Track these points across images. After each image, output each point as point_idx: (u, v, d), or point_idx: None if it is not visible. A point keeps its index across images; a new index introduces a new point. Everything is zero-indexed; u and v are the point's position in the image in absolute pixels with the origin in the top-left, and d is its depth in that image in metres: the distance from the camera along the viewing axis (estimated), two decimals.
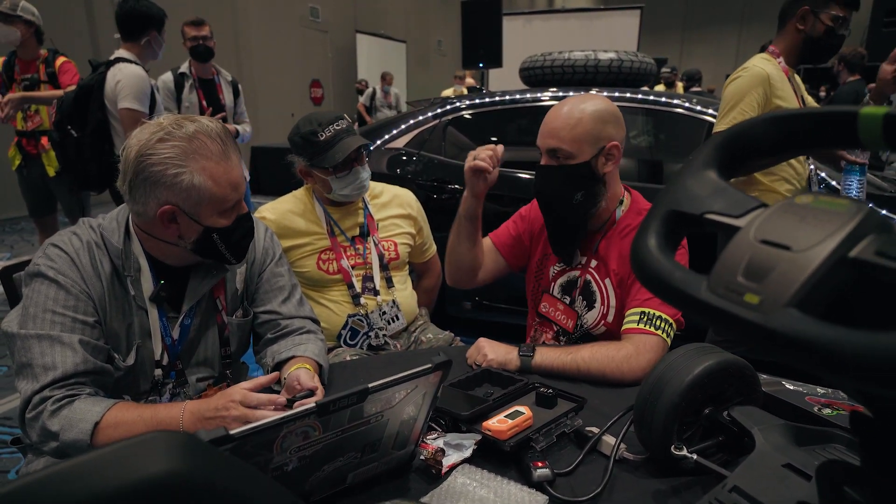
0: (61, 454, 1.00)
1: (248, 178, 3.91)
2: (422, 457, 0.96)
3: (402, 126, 3.29)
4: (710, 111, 2.82)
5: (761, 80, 2.01)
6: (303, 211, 1.76)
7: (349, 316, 1.71)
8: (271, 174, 5.02)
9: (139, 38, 2.89)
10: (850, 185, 2.08)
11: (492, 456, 0.98)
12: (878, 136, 0.40)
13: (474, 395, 1.15)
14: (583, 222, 1.46)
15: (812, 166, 2.24)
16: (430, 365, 0.85)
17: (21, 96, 3.25)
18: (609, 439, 0.99)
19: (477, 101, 3.33)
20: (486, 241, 1.65)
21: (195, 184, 1.07)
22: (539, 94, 3.18)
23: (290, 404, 1.07)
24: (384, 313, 1.74)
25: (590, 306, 1.48)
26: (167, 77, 3.60)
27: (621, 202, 1.49)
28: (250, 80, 9.10)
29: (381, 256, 1.78)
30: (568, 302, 1.51)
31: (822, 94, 9.64)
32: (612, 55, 3.28)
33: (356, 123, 8.53)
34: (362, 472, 0.90)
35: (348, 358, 1.61)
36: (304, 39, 10.62)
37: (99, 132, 2.84)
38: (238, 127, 3.63)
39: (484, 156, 1.43)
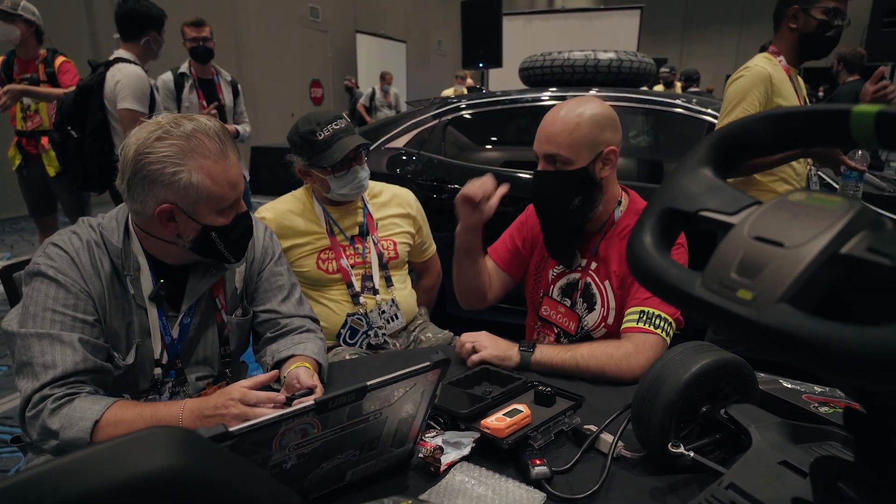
0: (61, 452, 1.01)
1: (247, 178, 3.92)
2: (420, 455, 0.96)
3: (402, 126, 3.30)
4: (710, 111, 2.82)
5: (763, 79, 2.02)
6: (302, 210, 1.76)
7: (348, 315, 1.71)
8: (271, 174, 5.02)
9: (139, 38, 2.89)
10: (847, 189, 2.09)
11: (490, 454, 0.99)
12: (871, 133, 0.40)
13: (473, 393, 1.16)
14: (580, 227, 1.46)
15: (812, 167, 2.25)
16: (428, 363, 0.86)
17: (22, 88, 3.25)
18: (607, 437, 1.00)
19: (477, 100, 3.33)
20: (488, 262, 1.65)
21: (193, 182, 1.07)
22: (539, 94, 3.19)
23: (289, 402, 1.07)
24: (383, 312, 1.75)
25: (590, 308, 1.48)
26: (167, 77, 3.60)
27: (619, 203, 1.49)
28: (250, 80, 9.10)
29: (380, 255, 1.78)
30: (569, 304, 1.51)
31: (822, 93, 9.64)
32: (611, 55, 3.29)
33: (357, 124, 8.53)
34: (361, 470, 0.90)
35: (348, 357, 1.61)
36: (304, 39, 10.62)
37: (99, 132, 2.85)
38: (237, 127, 3.63)
39: (476, 184, 1.40)
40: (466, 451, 0.97)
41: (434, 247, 2.04)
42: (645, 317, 1.33)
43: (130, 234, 1.18)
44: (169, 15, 3.05)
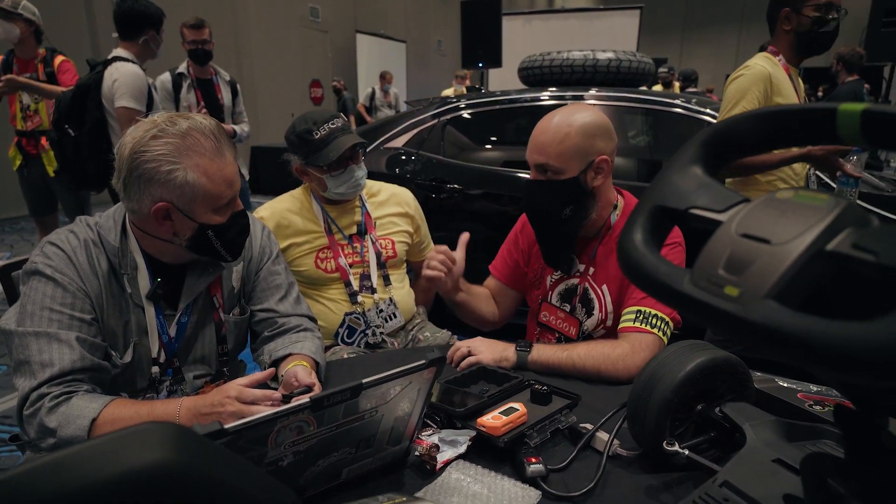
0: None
1: (247, 178, 3.92)
2: (416, 453, 0.96)
3: (401, 125, 3.30)
4: (708, 111, 2.83)
5: (763, 78, 2.02)
6: (300, 209, 1.77)
7: (346, 314, 1.72)
8: (271, 174, 5.02)
9: (137, 37, 2.89)
10: (842, 196, 2.08)
11: (486, 452, 0.99)
12: (857, 131, 0.40)
13: (469, 391, 1.16)
14: (572, 235, 1.46)
15: (811, 167, 2.25)
16: (423, 361, 0.86)
17: (24, 82, 3.25)
18: (602, 435, 1.00)
19: (476, 100, 3.34)
20: (493, 283, 1.65)
21: (189, 180, 1.07)
22: (537, 94, 3.19)
23: (287, 400, 1.07)
24: (381, 311, 1.75)
25: (589, 313, 1.48)
26: (165, 77, 3.61)
27: (615, 207, 1.49)
28: (250, 80, 9.10)
29: (378, 254, 1.79)
30: (568, 310, 1.51)
31: (821, 93, 9.64)
32: (610, 55, 3.29)
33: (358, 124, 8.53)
34: (357, 468, 0.91)
35: (346, 356, 1.61)
36: (304, 39, 10.62)
37: (97, 131, 2.85)
38: (236, 127, 3.63)
39: (434, 263, 1.40)
40: (462, 449, 0.98)
41: (432, 246, 2.04)
42: (641, 316, 1.33)
43: (127, 233, 1.18)
44: (169, 14, 3.05)
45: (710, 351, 0.94)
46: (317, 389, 1.14)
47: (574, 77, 3.37)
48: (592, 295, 1.47)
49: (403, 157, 3.22)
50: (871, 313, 0.33)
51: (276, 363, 1.28)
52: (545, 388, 1.12)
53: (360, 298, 1.73)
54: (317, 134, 1.64)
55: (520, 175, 2.97)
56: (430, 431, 1.03)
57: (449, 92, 8.74)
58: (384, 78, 9.53)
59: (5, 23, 3.22)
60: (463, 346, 1.35)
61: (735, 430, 0.88)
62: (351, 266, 1.75)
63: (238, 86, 3.81)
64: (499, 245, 1.70)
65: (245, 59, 9.30)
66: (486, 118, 3.37)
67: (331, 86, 10.35)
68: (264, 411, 0.97)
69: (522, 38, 8.19)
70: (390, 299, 1.78)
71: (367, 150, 3.23)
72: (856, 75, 5.37)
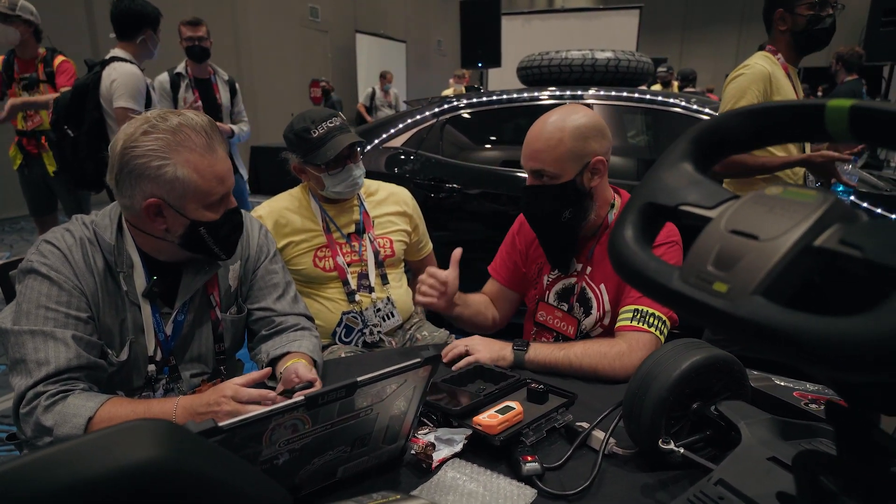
0: None
1: (246, 178, 3.92)
2: (412, 451, 0.96)
3: (400, 125, 3.30)
4: (707, 110, 2.83)
5: (762, 77, 2.03)
6: (298, 208, 1.77)
7: (343, 313, 1.72)
8: (270, 174, 5.02)
9: (134, 37, 2.90)
10: None
11: (482, 450, 0.99)
12: (845, 128, 0.40)
13: (466, 390, 1.16)
14: (573, 237, 1.46)
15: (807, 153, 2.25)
16: (419, 359, 0.86)
17: (23, 101, 3.26)
18: (599, 434, 1.00)
19: (475, 100, 3.34)
20: (494, 284, 1.65)
21: (178, 176, 1.07)
22: (536, 94, 3.19)
23: (288, 396, 1.08)
24: (379, 310, 1.75)
25: (586, 312, 1.48)
26: (163, 77, 3.61)
27: (612, 206, 1.49)
28: (250, 80, 9.10)
29: (376, 253, 1.79)
30: (566, 309, 1.52)
31: (820, 93, 9.64)
32: (609, 54, 3.29)
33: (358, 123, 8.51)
34: (353, 466, 0.91)
35: (343, 355, 1.62)
36: (304, 39, 10.62)
37: (95, 131, 2.85)
38: (234, 127, 3.63)
39: (425, 289, 1.41)
40: (458, 447, 0.98)
41: (430, 245, 2.04)
42: (639, 315, 1.33)
43: (124, 231, 1.18)
44: (168, 15, 3.05)
45: (705, 349, 0.94)
46: (317, 385, 1.14)
47: (573, 77, 3.37)
48: (590, 294, 1.47)
49: (402, 157, 3.22)
50: (859, 309, 0.33)
51: (274, 361, 1.29)
52: (542, 386, 1.12)
53: (357, 297, 1.73)
54: (315, 132, 1.64)
55: (519, 175, 2.97)
56: (426, 430, 1.03)
57: (448, 92, 8.74)
58: (384, 78, 9.53)
59: (4, 26, 3.22)
60: (460, 344, 1.35)
61: (730, 428, 0.88)
62: (349, 265, 1.75)
63: (237, 85, 3.81)
64: (498, 244, 1.70)
65: (245, 59, 9.30)
66: (485, 118, 3.37)
67: (328, 87, 10.22)
68: (259, 410, 0.97)
69: (522, 38, 8.20)
70: (388, 298, 1.78)
71: (367, 149, 3.24)
72: (855, 75, 5.37)
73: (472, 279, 1.66)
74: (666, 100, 3.02)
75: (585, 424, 1.03)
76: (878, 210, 2.49)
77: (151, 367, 1.20)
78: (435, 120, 3.25)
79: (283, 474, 0.81)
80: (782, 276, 0.35)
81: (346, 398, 0.80)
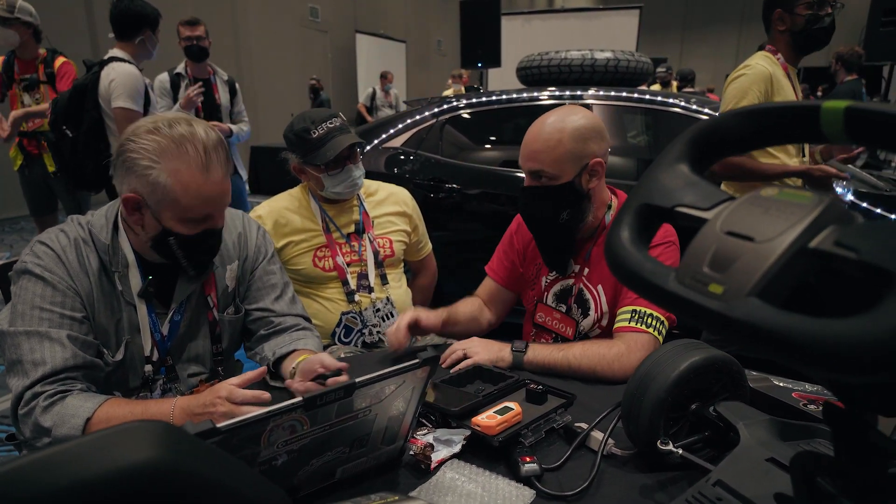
0: None
1: (246, 178, 3.92)
2: (411, 452, 0.96)
3: (400, 125, 3.30)
4: (706, 110, 2.83)
5: (763, 78, 2.03)
6: (298, 208, 1.77)
7: (343, 314, 1.72)
8: (270, 174, 5.02)
9: (133, 37, 2.89)
10: None
11: (481, 451, 0.99)
12: (840, 129, 0.40)
13: (465, 391, 1.16)
14: (571, 238, 1.46)
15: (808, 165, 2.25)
16: (417, 360, 0.86)
17: (23, 113, 3.26)
18: (597, 435, 1.00)
19: (474, 100, 3.34)
20: (491, 283, 1.64)
21: (160, 182, 1.06)
22: (536, 94, 3.19)
23: (322, 382, 1.11)
24: (378, 310, 1.75)
25: (584, 314, 1.48)
26: (163, 77, 3.61)
27: (609, 207, 1.49)
28: (250, 80, 9.10)
29: (376, 253, 1.79)
30: (564, 310, 1.52)
31: (820, 93, 9.64)
32: (608, 55, 3.29)
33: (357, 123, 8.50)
34: (351, 467, 0.91)
35: (342, 355, 1.61)
36: (304, 39, 10.62)
37: (94, 131, 2.85)
38: (233, 127, 3.63)
39: (392, 340, 1.40)
40: (457, 448, 0.98)
41: (430, 246, 2.04)
42: (637, 316, 1.33)
43: (119, 231, 1.18)
44: (168, 15, 3.05)
45: (704, 350, 0.94)
46: (345, 375, 1.14)
47: (572, 77, 3.37)
48: (588, 295, 1.47)
49: (402, 157, 3.22)
50: (854, 310, 0.33)
51: (281, 359, 1.29)
52: (540, 387, 1.12)
53: (357, 297, 1.73)
54: (314, 133, 1.64)
55: (518, 175, 2.97)
56: (425, 431, 1.03)
57: (449, 93, 8.74)
58: (385, 78, 9.52)
59: (3, 29, 3.22)
60: (458, 348, 1.35)
61: (729, 429, 0.88)
62: (348, 265, 1.75)
63: (237, 85, 3.81)
64: (497, 244, 1.70)
65: (245, 59, 9.30)
66: (485, 118, 3.37)
67: (318, 85, 9.96)
68: (256, 411, 0.97)
69: (522, 38, 8.20)
70: (387, 298, 1.78)
71: (367, 149, 3.24)
72: (854, 74, 5.36)
73: (471, 279, 1.66)
74: (665, 100, 3.02)
75: (584, 425, 1.03)
76: (878, 210, 2.49)
77: (148, 368, 1.20)
78: (434, 120, 3.25)
79: (282, 475, 0.81)
80: (778, 277, 0.35)
81: (344, 399, 0.80)
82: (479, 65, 6.99)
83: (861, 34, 6.12)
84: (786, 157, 2.13)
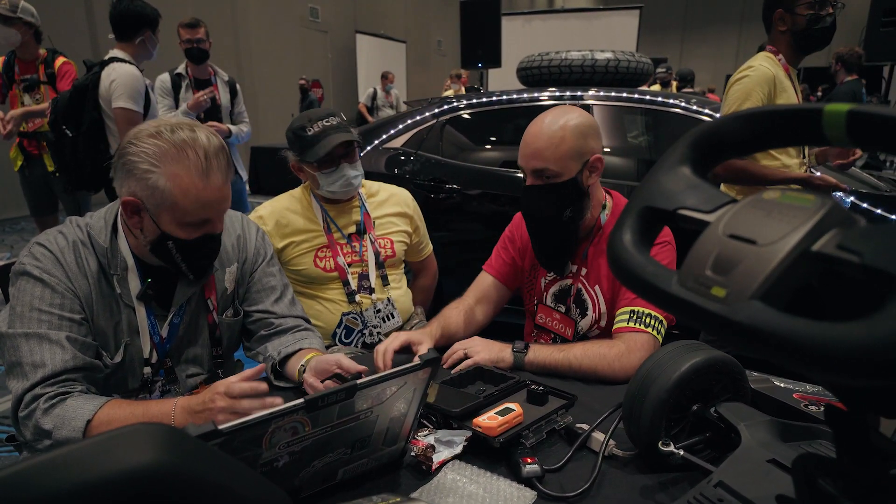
0: None
1: (246, 178, 3.92)
2: (412, 453, 0.96)
3: (400, 126, 3.30)
4: (707, 111, 2.83)
5: (767, 79, 2.03)
6: (299, 208, 1.77)
7: (343, 314, 1.72)
8: (271, 174, 5.02)
9: (133, 37, 2.90)
10: None
11: (482, 452, 0.99)
12: (843, 132, 0.40)
13: (466, 392, 1.16)
14: (573, 237, 1.46)
15: (811, 170, 2.25)
16: (418, 361, 0.86)
17: (23, 112, 3.26)
18: (598, 436, 1.00)
19: (475, 100, 3.34)
20: (487, 278, 1.62)
21: (160, 186, 1.06)
22: (536, 94, 3.19)
23: (343, 381, 1.10)
24: (379, 311, 1.75)
25: (583, 314, 1.49)
26: (164, 77, 3.61)
27: (605, 206, 1.49)
28: (250, 80, 9.10)
29: (376, 254, 1.79)
30: (563, 311, 1.52)
31: (820, 93, 9.63)
32: (608, 55, 3.29)
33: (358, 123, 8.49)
34: (353, 468, 0.91)
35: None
36: (304, 39, 10.62)
37: (94, 132, 2.85)
38: (233, 127, 3.63)
39: (377, 360, 1.30)
40: (458, 449, 0.98)
41: (431, 247, 2.04)
42: (635, 316, 1.33)
43: (118, 234, 1.18)
44: (168, 15, 3.05)
45: (705, 351, 0.94)
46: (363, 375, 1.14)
47: (573, 77, 3.37)
48: (586, 295, 1.47)
49: (402, 158, 3.22)
50: (857, 314, 0.33)
51: (286, 359, 1.29)
52: (541, 388, 1.12)
53: (358, 298, 1.73)
54: (310, 130, 1.64)
55: (518, 175, 2.97)
56: (426, 432, 1.03)
57: (449, 93, 8.74)
58: (386, 78, 9.52)
59: (5, 28, 3.22)
60: (459, 348, 1.35)
61: (730, 430, 0.88)
62: (349, 265, 1.75)
63: (238, 86, 3.81)
64: None
65: (245, 59, 9.30)
66: (485, 118, 3.37)
67: (307, 85, 9.82)
68: (254, 405, 0.98)
69: (522, 39, 8.20)
70: (388, 299, 1.78)
71: (367, 149, 3.24)
72: (855, 75, 5.36)
73: (472, 280, 1.66)
74: (666, 100, 3.02)
75: (585, 426, 1.03)
76: (878, 211, 2.49)
77: (147, 370, 1.20)
78: (435, 120, 3.25)
79: (283, 477, 0.81)
80: (780, 280, 0.35)
81: (345, 400, 0.80)
82: (480, 65, 6.98)
83: (861, 34, 6.11)
84: (787, 158, 2.13)
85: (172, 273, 1.20)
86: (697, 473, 0.88)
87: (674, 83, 8.79)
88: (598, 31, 8.44)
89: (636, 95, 3.05)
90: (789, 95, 2.11)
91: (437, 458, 0.96)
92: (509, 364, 1.31)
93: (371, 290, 1.76)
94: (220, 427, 0.67)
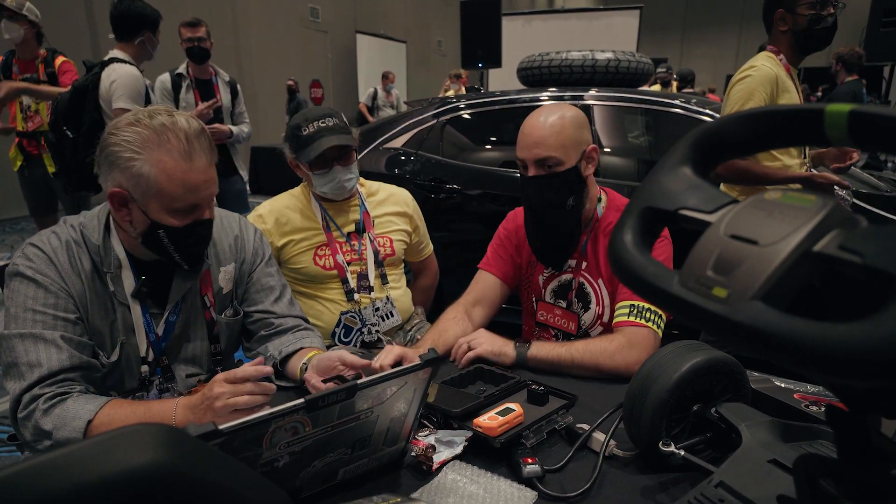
0: None
1: (247, 178, 3.92)
2: (413, 453, 0.96)
3: (401, 126, 3.30)
4: (707, 111, 2.83)
5: (770, 79, 2.03)
6: (299, 207, 1.77)
7: (342, 313, 1.72)
8: (271, 174, 5.02)
9: (133, 38, 2.90)
10: None
11: (482, 452, 0.99)
12: (844, 132, 0.40)
13: (466, 392, 1.16)
14: (575, 227, 1.47)
15: (811, 170, 2.25)
16: (419, 361, 0.86)
17: (25, 86, 3.24)
18: (599, 436, 1.00)
19: (475, 100, 3.34)
20: (487, 277, 1.61)
21: (144, 173, 1.05)
22: (537, 94, 3.19)
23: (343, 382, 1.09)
24: (378, 310, 1.75)
25: (585, 307, 1.49)
26: (164, 77, 3.60)
27: (600, 200, 1.52)
28: (250, 80, 9.10)
29: (376, 253, 1.79)
30: (565, 305, 1.52)
31: (820, 93, 9.63)
32: (609, 55, 3.29)
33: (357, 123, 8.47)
34: (353, 468, 0.91)
35: None
36: (304, 40, 10.62)
37: (94, 132, 2.84)
38: (234, 127, 3.63)
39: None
40: (459, 449, 0.98)
41: (431, 246, 2.04)
42: (635, 310, 1.34)
43: (111, 232, 1.17)
44: (169, 15, 3.05)
45: (705, 351, 0.94)
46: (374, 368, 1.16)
47: (573, 77, 3.37)
48: (589, 289, 1.48)
49: (403, 158, 3.22)
50: (858, 314, 0.33)
51: (286, 359, 1.29)
52: (542, 388, 1.12)
53: (356, 297, 1.73)
54: (305, 130, 1.64)
55: (518, 175, 2.97)
56: (427, 432, 1.03)
57: (450, 94, 8.73)
58: (387, 78, 9.52)
59: (10, 23, 3.23)
60: (464, 342, 1.36)
61: (731, 430, 0.88)
62: (349, 264, 1.75)
63: (238, 86, 3.81)
64: None
65: (245, 59, 9.29)
66: (486, 118, 3.37)
67: (294, 87, 9.65)
68: (253, 389, 0.97)
69: (522, 39, 8.19)
70: (387, 298, 1.78)
71: (367, 149, 3.23)
72: (855, 75, 5.36)
73: (472, 280, 1.66)
74: (666, 100, 3.02)
75: (586, 426, 1.03)
76: (879, 211, 2.49)
77: (145, 368, 1.20)
78: (435, 120, 3.25)
79: (284, 477, 0.81)
80: (782, 281, 0.35)
81: (346, 400, 0.80)
82: (480, 65, 6.98)
83: (861, 35, 6.11)
84: (788, 158, 2.13)
85: (167, 269, 1.20)
86: (698, 474, 0.88)
87: (674, 83, 8.79)
88: (599, 32, 8.44)
89: (636, 95, 3.05)
90: (792, 95, 2.11)
91: (438, 458, 0.96)
92: (512, 359, 1.32)
93: (370, 289, 1.76)
94: (221, 427, 0.67)
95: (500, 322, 1.66)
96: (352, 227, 1.79)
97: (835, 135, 0.41)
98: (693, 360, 0.92)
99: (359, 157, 1.79)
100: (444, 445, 0.99)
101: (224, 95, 3.68)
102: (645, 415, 0.91)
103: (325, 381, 1.16)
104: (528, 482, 0.91)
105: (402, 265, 1.93)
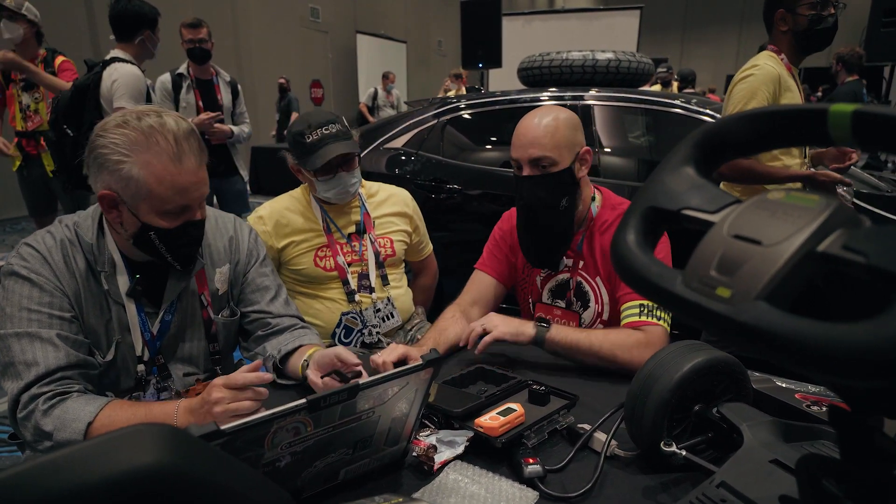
0: None
1: (246, 179, 3.92)
2: (414, 453, 0.96)
3: (401, 126, 3.30)
4: (708, 111, 2.83)
5: (772, 78, 2.03)
6: (299, 208, 1.77)
7: (343, 314, 1.72)
8: (271, 174, 5.02)
9: (132, 38, 2.89)
10: None
11: (484, 452, 0.99)
12: (848, 132, 0.40)
13: (467, 392, 1.16)
14: (568, 228, 1.47)
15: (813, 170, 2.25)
16: (420, 361, 0.86)
17: (25, 64, 3.20)
18: (600, 436, 1.00)
19: (475, 100, 3.34)
20: (484, 278, 1.61)
21: (133, 175, 1.04)
22: (537, 94, 3.19)
23: (344, 381, 1.10)
24: (378, 310, 1.75)
25: (585, 306, 1.49)
26: (165, 78, 3.61)
27: (594, 199, 1.52)
28: (250, 80, 9.09)
29: (376, 254, 1.79)
30: (564, 305, 1.52)
31: (820, 93, 9.63)
32: (609, 55, 3.29)
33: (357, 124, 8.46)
34: (355, 469, 0.91)
35: None
36: (304, 40, 10.62)
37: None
38: (234, 128, 3.63)
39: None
40: (460, 449, 0.98)
41: (431, 246, 2.04)
42: (646, 310, 1.34)
43: (105, 231, 1.17)
44: (169, 15, 3.05)
45: (707, 351, 0.94)
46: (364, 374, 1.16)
47: (573, 77, 3.37)
48: (587, 287, 1.48)
49: (403, 158, 3.22)
50: (862, 314, 0.33)
51: (286, 357, 1.29)
52: (543, 388, 1.12)
53: (357, 297, 1.73)
54: (308, 137, 1.63)
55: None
56: (428, 432, 1.03)
57: (451, 94, 8.72)
58: (387, 78, 9.52)
59: (10, 23, 3.23)
60: (477, 325, 1.34)
61: (732, 430, 0.88)
62: (349, 265, 1.75)
63: (239, 86, 3.81)
64: None
65: (245, 59, 9.29)
66: (486, 119, 3.37)
67: (286, 85, 9.34)
68: (249, 396, 0.98)
69: (522, 39, 8.19)
70: (388, 299, 1.78)
71: (368, 149, 3.23)
72: (855, 75, 5.36)
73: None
74: (667, 101, 3.02)
75: (587, 426, 1.03)
76: (879, 211, 2.49)
77: (141, 368, 1.19)
78: (436, 120, 3.25)
79: (285, 477, 0.81)
80: (785, 281, 0.35)
81: (347, 401, 0.80)
82: (480, 65, 6.97)
83: (862, 35, 6.11)
84: (789, 158, 2.13)
85: (161, 268, 1.20)
86: (700, 474, 0.88)
87: (675, 83, 8.79)
88: (599, 32, 8.44)
89: (637, 96, 3.05)
90: (794, 95, 2.11)
91: (439, 458, 0.96)
92: (530, 338, 1.31)
93: (371, 290, 1.76)
94: (223, 427, 0.67)
95: None
96: (352, 229, 1.79)
97: (838, 135, 0.41)
98: (694, 360, 0.92)
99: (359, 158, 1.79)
100: (446, 445, 0.99)
101: (225, 95, 3.68)
102: (646, 415, 0.91)
103: (322, 378, 1.16)
104: (529, 482, 0.91)
105: (403, 265, 1.93)
